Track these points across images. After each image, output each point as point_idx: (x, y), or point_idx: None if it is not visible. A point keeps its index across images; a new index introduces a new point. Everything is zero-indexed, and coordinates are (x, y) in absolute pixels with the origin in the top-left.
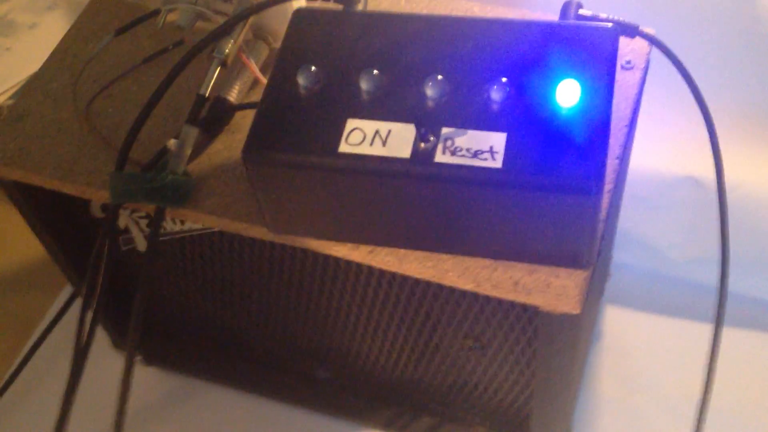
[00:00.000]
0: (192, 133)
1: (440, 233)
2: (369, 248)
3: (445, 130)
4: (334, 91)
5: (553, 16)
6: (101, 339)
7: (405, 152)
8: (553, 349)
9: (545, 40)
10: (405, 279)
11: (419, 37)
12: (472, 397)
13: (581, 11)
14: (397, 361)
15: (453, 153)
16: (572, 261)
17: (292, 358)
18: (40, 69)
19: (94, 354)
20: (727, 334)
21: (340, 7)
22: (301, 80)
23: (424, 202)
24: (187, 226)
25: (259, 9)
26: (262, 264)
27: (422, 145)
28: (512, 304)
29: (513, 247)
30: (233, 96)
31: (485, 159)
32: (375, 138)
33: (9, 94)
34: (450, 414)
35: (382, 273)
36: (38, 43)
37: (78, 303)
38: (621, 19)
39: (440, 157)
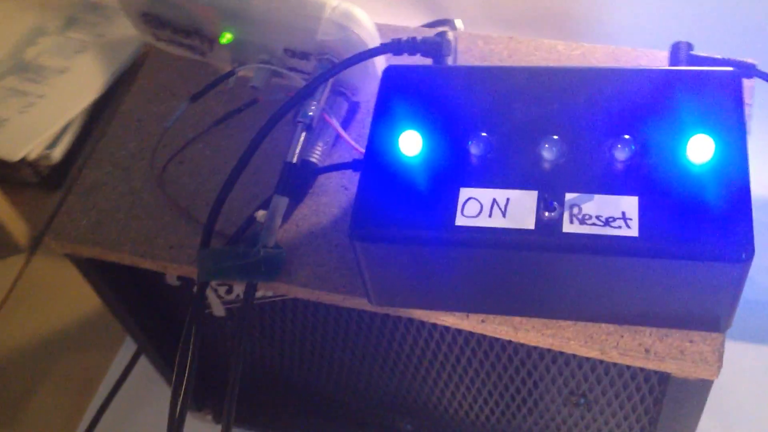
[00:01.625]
0: (282, 203)
1: (561, 301)
2: (480, 317)
3: (569, 196)
4: (441, 157)
5: (642, 47)
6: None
7: (529, 223)
8: (681, 413)
9: (664, 89)
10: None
11: (525, 92)
12: None
13: (693, 52)
14: (489, 415)
15: (582, 221)
16: (709, 325)
17: (374, 414)
18: (106, 137)
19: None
20: None
21: (429, 61)
22: (403, 146)
23: (548, 273)
24: (269, 292)
25: (342, 68)
26: (343, 324)
27: (546, 214)
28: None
29: (642, 313)
30: (316, 158)
31: (619, 227)
32: (493, 208)
33: (46, 143)
34: None
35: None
36: (71, 88)
37: (143, 362)
38: (735, 58)
39: (568, 227)
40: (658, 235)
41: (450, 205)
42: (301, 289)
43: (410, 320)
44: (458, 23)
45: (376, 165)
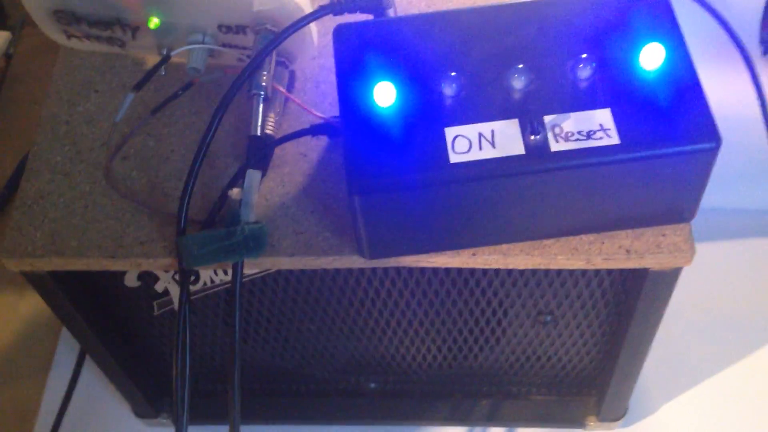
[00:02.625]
0: (257, 177)
1: (547, 220)
2: (471, 251)
3: (547, 118)
4: (417, 103)
5: None
6: (121, 409)
7: (518, 149)
8: (653, 304)
9: (604, 9)
10: (467, 272)
11: (480, 31)
12: (531, 371)
13: None
14: (456, 354)
15: (566, 139)
16: (678, 217)
17: (338, 379)
18: (35, 146)
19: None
20: None
21: (369, 17)
22: (378, 99)
23: (539, 194)
24: (219, 279)
25: (288, 34)
26: (300, 296)
27: (533, 137)
28: (583, 272)
29: (620, 217)
30: (271, 129)
31: (601, 138)
32: (482, 141)
33: None
34: (505, 391)
35: (434, 271)
36: None
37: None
38: None
39: (555, 146)
40: (638, 138)
41: (440, 146)
42: (289, 259)
43: (361, 273)
44: None
45: (356, 121)
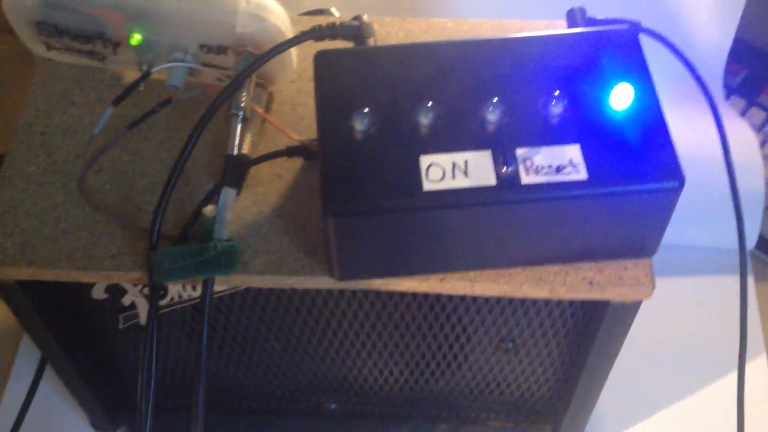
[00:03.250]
0: (231, 195)
1: (515, 249)
2: (440, 276)
3: (519, 151)
4: (393, 130)
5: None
6: (79, 421)
7: (490, 180)
8: (612, 335)
9: (576, 49)
10: (433, 298)
11: (458, 64)
12: (490, 397)
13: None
14: (418, 378)
15: (537, 172)
16: (640, 251)
17: (300, 399)
18: (10, 155)
19: None
20: None
21: (350, 44)
22: (357, 125)
23: (508, 224)
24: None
25: (269, 57)
26: (267, 314)
27: (504, 169)
28: (546, 301)
29: (585, 249)
30: (247, 149)
31: (569, 173)
32: (455, 170)
33: None
34: (463, 416)
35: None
36: None
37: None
38: (622, 18)
39: (526, 178)
40: (605, 175)
41: (414, 173)
42: (260, 278)
43: (329, 293)
44: (334, 11)
45: (333, 145)
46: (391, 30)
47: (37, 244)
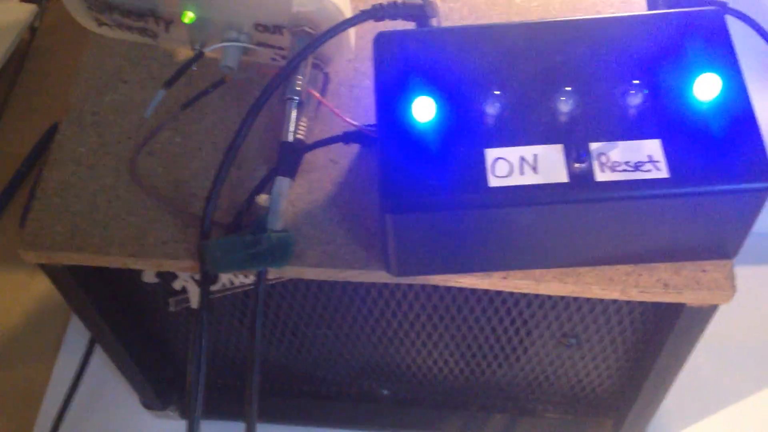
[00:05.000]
0: (285, 184)
1: (584, 248)
2: (502, 274)
3: (593, 146)
4: (457, 120)
5: None
6: (129, 399)
7: (561, 176)
8: (686, 338)
9: (658, 32)
10: (493, 292)
11: (527, 48)
12: (549, 389)
13: None
14: (474, 369)
15: (613, 169)
16: (720, 252)
17: (352, 384)
18: (60, 134)
19: (122, 415)
20: None
21: (412, 25)
22: (418, 114)
23: (579, 223)
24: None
25: (327, 38)
26: (320, 302)
27: (577, 165)
28: (613, 299)
29: (660, 249)
30: (303, 134)
31: (649, 170)
32: (523, 165)
33: None
34: (521, 407)
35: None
36: None
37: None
38: None
39: (600, 176)
40: (688, 173)
41: (479, 167)
42: (314, 270)
43: (385, 285)
44: None
45: (393, 136)
46: (454, 5)
47: (87, 229)
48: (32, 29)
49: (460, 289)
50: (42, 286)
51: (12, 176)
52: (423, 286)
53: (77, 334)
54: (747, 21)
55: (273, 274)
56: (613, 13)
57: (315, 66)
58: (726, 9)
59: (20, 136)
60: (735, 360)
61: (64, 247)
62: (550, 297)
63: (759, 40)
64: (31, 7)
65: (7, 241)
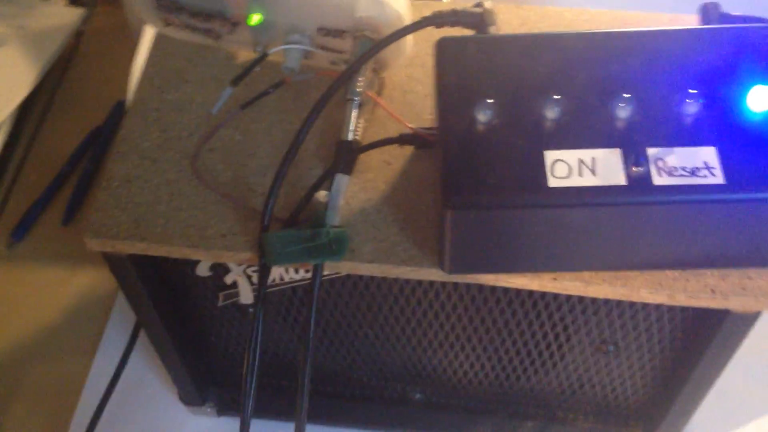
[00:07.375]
0: (344, 182)
1: (636, 252)
2: (552, 275)
3: (651, 151)
4: (517, 123)
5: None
6: (167, 396)
7: (620, 179)
8: (727, 345)
9: (713, 46)
10: (537, 295)
11: (585, 56)
12: (583, 398)
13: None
14: (509, 374)
15: (670, 174)
16: (766, 260)
17: (384, 386)
18: (125, 129)
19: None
20: None
21: (471, 32)
22: (479, 116)
23: (635, 226)
24: (299, 275)
25: (388, 43)
26: (365, 301)
27: (635, 169)
28: (656, 305)
29: (709, 255)
30: (359, 135)
31: (705, 176)
32: (582, 168)
33: None
34: (551, 415)
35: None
36: None
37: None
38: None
39: (658, 180)
40: (743, 180)
41: (538, 168)
42: (368, 266)
43: (430, 285)
44: None
45: (455, 136)
46: (505, 17)
47: (150, 220)
48: (79, 33)
49: (505, 292)
50: (82, 282)
51: (55, 176)
52: (468, 287)
53: (116, 332)
54: None
55: (328, 269)
56: (669, 26)
57: (372, 70)
58: None
59: (63, 138)
60: (765, 372)
61: (127, 236)
62: (593, 301)
63: None
64: (79, 11)
65: (49, 239)
